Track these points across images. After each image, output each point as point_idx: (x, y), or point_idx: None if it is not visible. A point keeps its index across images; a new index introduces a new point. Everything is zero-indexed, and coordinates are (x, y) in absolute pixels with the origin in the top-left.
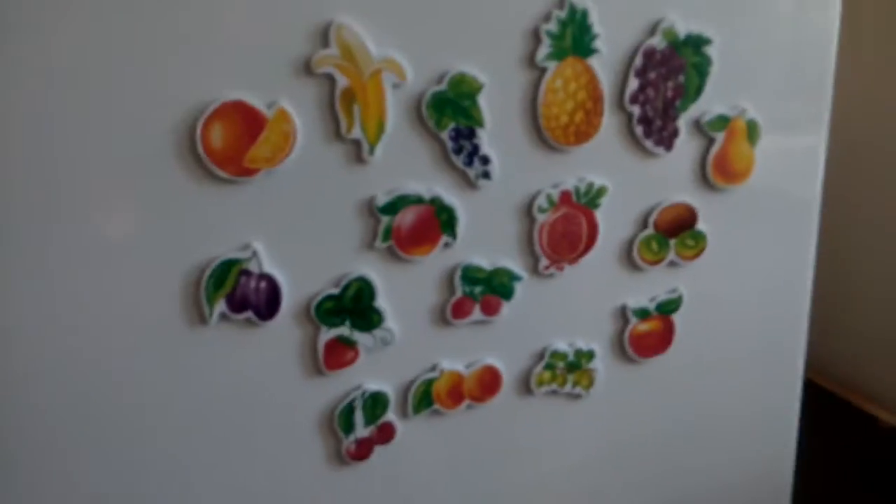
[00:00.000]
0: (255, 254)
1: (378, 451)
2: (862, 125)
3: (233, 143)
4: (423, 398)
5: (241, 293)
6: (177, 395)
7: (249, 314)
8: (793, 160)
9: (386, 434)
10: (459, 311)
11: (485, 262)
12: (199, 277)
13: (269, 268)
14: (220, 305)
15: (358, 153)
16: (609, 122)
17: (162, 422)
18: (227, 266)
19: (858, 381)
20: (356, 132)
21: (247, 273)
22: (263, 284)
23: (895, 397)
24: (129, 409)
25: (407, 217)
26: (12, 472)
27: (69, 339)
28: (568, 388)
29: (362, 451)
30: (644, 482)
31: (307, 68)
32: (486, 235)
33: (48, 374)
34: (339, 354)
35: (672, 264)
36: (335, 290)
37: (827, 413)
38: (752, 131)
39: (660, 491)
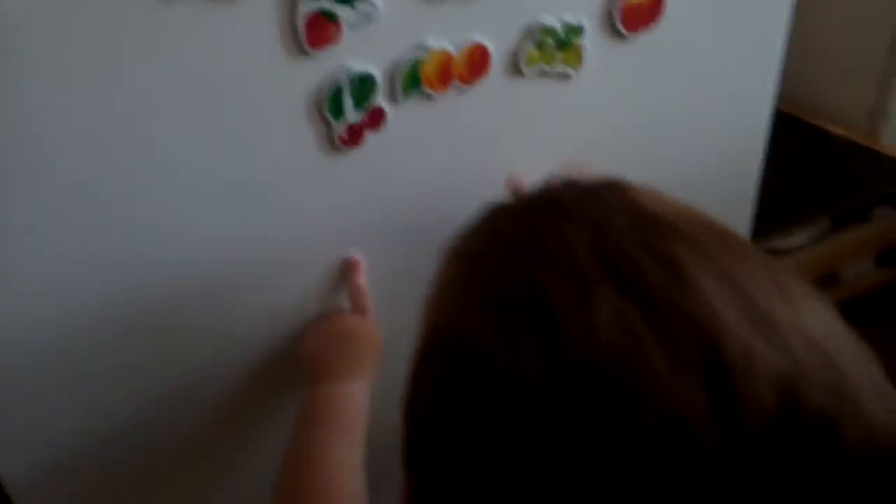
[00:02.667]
0: None
1: (370, 137)
2: None
3: None
4: (412, 80)
5: None
6: (158, 88)
7: None
8: None
9: (376, 119)
10: None
11: None
12: None
13: None
14: None
15: None
16: None
17: (150, 116)
18: None
19: (809, 98)
20: None
21: None
22: None
23: (844, 112)
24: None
25: None
26: None
27: None
28: (557, 66)
29: (354, 137)
30: (629, 163)
31: None
32: None
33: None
34: (320, 29)
35: None
36: None
37: (779, 130)
38: None
39: (640, 170)
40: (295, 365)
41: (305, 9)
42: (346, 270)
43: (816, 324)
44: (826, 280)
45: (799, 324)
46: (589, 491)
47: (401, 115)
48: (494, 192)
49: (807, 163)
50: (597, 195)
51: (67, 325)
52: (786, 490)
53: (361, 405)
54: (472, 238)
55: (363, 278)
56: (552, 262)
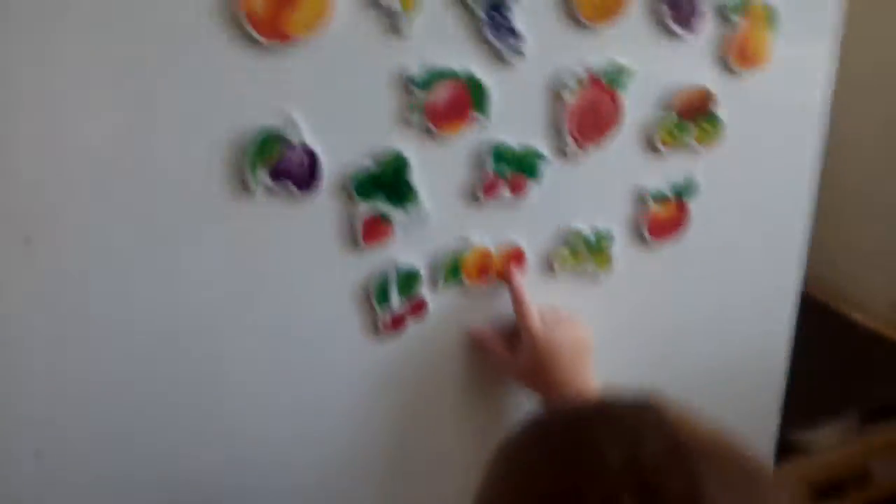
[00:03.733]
0: (294, 124)
1: (412, 324)
2: (870, 51)
3: (273, 7)
4: (452, 271)
5: (282, 163)
6: (218, 266)
7: (289, 185)
8: (802, 61)
9: (418, 308)
10: (489, 190)
11: (514, 142)
12: (241, 146)
13: (308, 139)
14: (262, 175)
15: (394, 24)
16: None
17: (204, 290)
18: (268, 135)
19: (834, 283)
20: (393, 1)
21: (287, 143)
22: (303, 155)
23: (868, 300)
24: (171, 277)
25: (440, 92)
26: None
27: (109, 206)
28: (588, 268)
29: (397, 324)
30: (654, 359)
31: None
32: (515, 115)
33: (82, 241)
34: (376, 229)
35: (689, 149)
36: (372, 165)
37: (818, 320)
38: (770, 17)
39: (667, 369)
40: None
41: (364, 211)
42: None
43: None
44: (857, 479)
45: None
46: None
47: (439, 302)
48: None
49: (833, 354)
50: (634, 414)
51: None
52: None
53: None
54: (519, 440)
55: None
56: (587, 471)
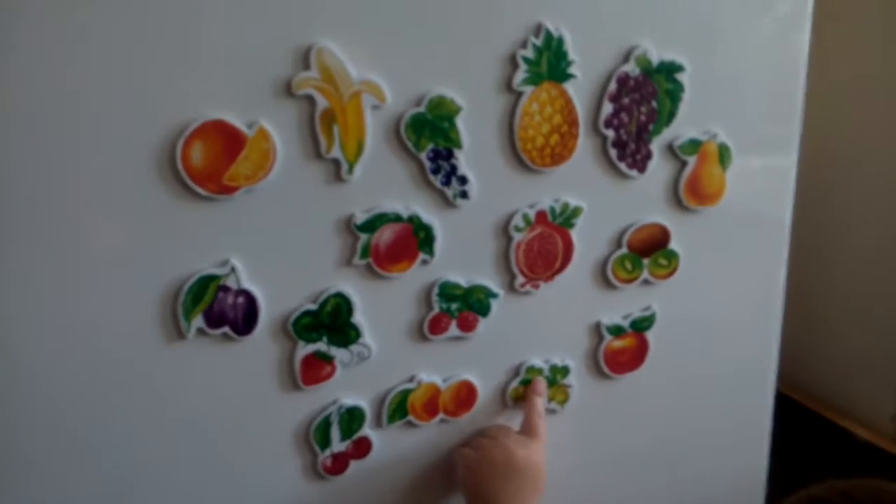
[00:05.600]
0: (233, 269)
1: (353, 465)
2: (833, 142)
3: (213, 161)
4: (398, 409)
5: (219, 308)
6: (153, 410)
7: (227, 329)
8: (764, 181)
9: (362, 449)
10: (436, 327)
11: (462, 280)
12: (178, 292)
13: (248, 283)
14: (198, 320)
15: (337, 172)
16: (584, 144)
17: (138, 435)
18: (206, 281)
19: (832, 396)
20: (335, 152)
21: (225, 288)
22: (241, 300)
23: (868, 413)
24: (105, 423)
25: (385, 235)
26: None
27: (44, 348)
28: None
29: (338, 465)
30: (617, 497)
31: (287, 90)
32: (463, 253)
33: (23, 382)
34: (315, 369)
35: (646, 282)
36: (313, 306)
37: (802, 427)
38: (723, 155)
39: (641, 493)
40: None
41: (303, 352)
42: (529, 389)
43: None
44: None
45: None
46: None
47: (384, 441)
48: None
49: (830, 469)
50: None
51: None
52: None
53: None
54: None
55: (543, 403)
56: None
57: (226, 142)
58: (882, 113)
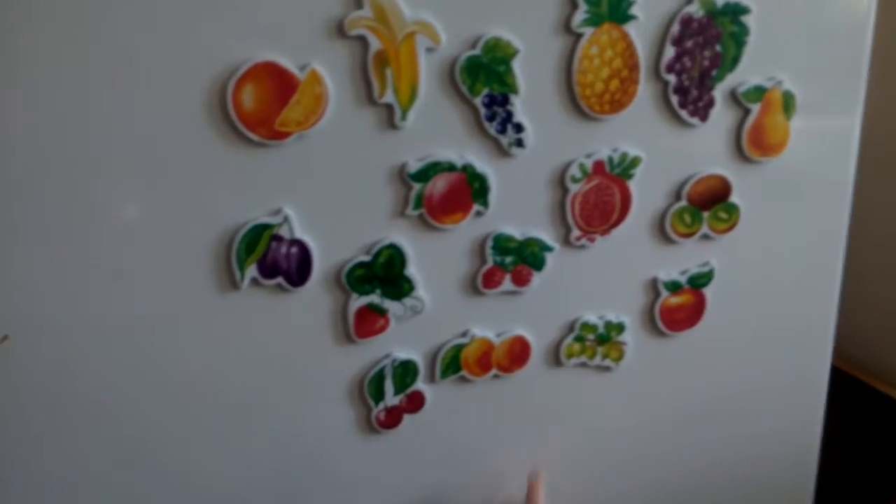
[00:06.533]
0: (286, 219)
1: (407, 419)
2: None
3: (265, 105)
4: (452, 363)
5: (273, 258)
6: (207, 362)
7: (280, 280)
8: (828, 135)
9: (415, 403)
10: (490, 280)
11: (516, 232)
12: (231, 242)
13: (301, 233)
14: (252, 270)
15: (390, 118)
16: (644, 90)
17: (193, 387)
18: (259, 230)
19: (883, 365)
20: (388, 97)
21: (278, 238)
22: (295, 250)
23: None
24: (160, 375)
25: (438, 184)
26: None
27: (99, 304)
28: (597, 360)
29: (392, 419)
30: (671, 455)
31: (340, 30)
32: (517, 205)
33: (78, 335)
34: (369, 322)
35: (705, 237)
36: (366, 258)
37: (850, 396)
38: (788, 103)
39: (686, 464)
40: None
41: (356, 304)
42: (529, 490)
43: None
44: None
45: None
46: None
47: (437, 395)
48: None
49: (871, 436)
50: None
51: None
52: None
53: None
54: None
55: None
56: None
57: (277, 85)
58: None
